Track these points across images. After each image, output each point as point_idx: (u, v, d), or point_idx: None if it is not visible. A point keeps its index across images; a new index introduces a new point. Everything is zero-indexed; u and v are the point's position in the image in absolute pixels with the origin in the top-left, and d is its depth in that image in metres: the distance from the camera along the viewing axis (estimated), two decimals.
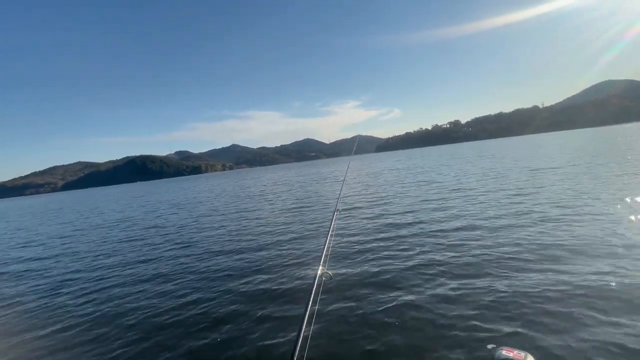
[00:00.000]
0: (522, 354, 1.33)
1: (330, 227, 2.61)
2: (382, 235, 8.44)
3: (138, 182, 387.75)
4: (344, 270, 6.14)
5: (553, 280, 4.78)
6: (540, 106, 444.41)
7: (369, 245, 7.65)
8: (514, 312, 4.08)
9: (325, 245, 2.34)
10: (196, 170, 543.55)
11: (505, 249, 6.34)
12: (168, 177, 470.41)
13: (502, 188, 13.35)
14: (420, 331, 3.97)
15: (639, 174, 12.68)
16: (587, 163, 18.27)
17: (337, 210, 2.91)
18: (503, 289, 4.69)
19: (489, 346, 3.38)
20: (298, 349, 1.38)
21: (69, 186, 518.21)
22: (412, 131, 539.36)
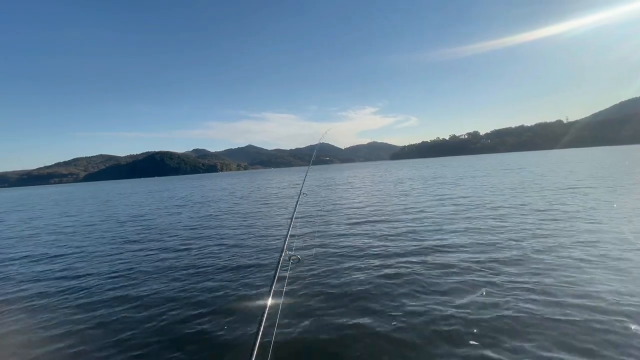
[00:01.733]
0: None
1: (294, 212, 2.66)
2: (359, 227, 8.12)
3: (155, 177, 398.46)
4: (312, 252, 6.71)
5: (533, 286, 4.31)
6: (565, 121, 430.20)
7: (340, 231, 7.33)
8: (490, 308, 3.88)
9: (289, 228, 2.32)
10: (212, 168, 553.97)
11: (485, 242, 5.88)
12: (185, 174, 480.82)
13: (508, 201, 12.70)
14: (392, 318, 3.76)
15: None
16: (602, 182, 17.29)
17: (304, 193, 2.73)
18: (475, 279, 4.52)
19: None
20: (262, 327, 1.42)
21: (90, 177, 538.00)
22: (428, 140, 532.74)
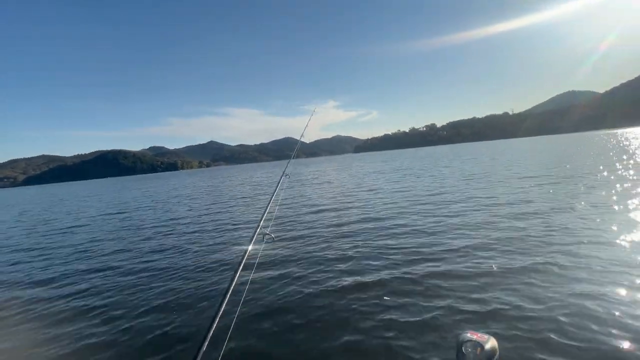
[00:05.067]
0: (486, 336, 1.38)
1: (274, 193, 2.89)
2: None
3: (109, 177, 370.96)
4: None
5: (511, 265, 5.13)
6: (511, 112, 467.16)
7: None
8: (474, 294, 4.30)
9: (267, 207, 2.55)
10: (172, 166, 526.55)
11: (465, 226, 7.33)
12: (141, 173, 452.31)
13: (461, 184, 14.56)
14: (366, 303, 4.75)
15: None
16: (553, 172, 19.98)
17: (286, 175, 3.28)
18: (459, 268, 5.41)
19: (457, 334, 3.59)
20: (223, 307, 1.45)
21: (31, 181, 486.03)
22: (390, 133, 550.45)
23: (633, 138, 50.11)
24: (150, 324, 4.43)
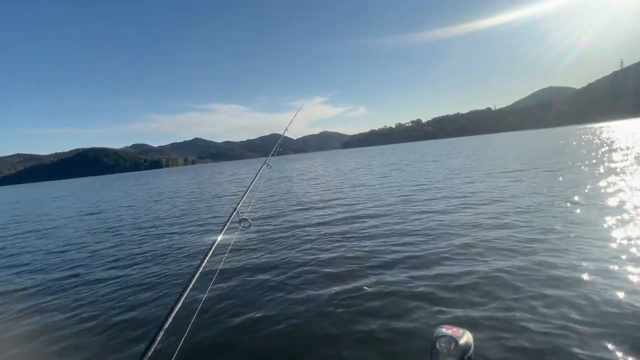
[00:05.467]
0: (461, 331, 1.39)
1: (254, 178, 2.93)
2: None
3: (89, 176, 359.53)
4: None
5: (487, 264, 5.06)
6: (493, 108, 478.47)
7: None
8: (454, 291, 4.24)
9: (246, 192, 2.56)
10: (156, 164, 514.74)
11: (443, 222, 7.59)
12: (124, 172, 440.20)
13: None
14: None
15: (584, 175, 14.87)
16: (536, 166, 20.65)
17: (268, 165, 3.38)
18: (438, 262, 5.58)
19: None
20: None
21: (5, 181, 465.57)
22: (377, 129, 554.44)
23: (608, 132, 52.25)
24: (116, 313, 4.57)
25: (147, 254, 7.40)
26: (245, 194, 2.57)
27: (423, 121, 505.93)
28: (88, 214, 16.65)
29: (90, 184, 75.68)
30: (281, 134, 4.37)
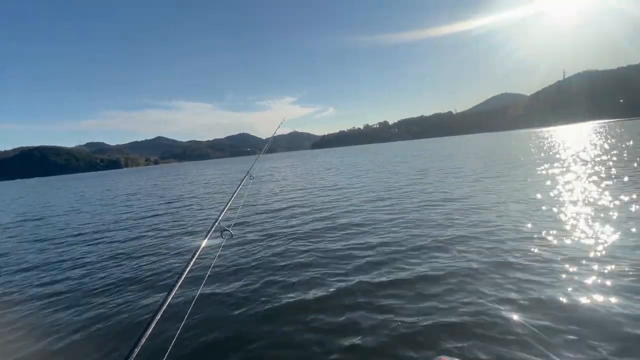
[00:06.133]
0: None
1: (236, 189, 2.92)
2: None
3: (36, 177, 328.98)
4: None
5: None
6: (454, 112, 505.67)
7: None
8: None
9: (228, 203, 2.57)
10: (114, 164, 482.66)
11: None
12: (77, 172, 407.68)
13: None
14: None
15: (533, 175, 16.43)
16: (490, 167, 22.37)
17: (251, 176, 3.37)
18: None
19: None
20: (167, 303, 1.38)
21: None
22: (346, 130, 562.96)
23: (550, 137, 57.67)
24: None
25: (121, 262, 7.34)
26: (227, 204, 2.57)
27: (390, 123, 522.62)
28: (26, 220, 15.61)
29: (36, 186, 69.45)
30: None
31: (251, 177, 3.51)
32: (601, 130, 64.39)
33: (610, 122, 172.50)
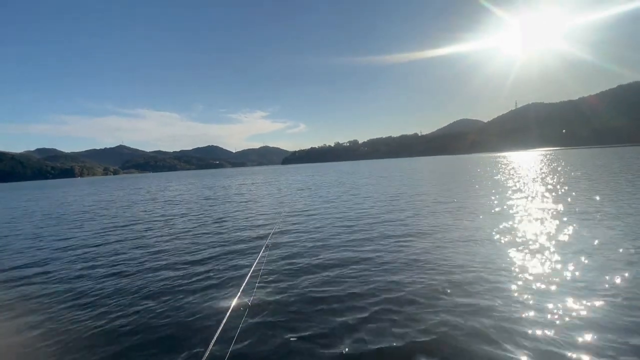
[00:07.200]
0: None
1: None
2: None
3: None
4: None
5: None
6: (419, 134, 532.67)
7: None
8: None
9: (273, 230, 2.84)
10: (67, 172, 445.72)
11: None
12: (24, 180, 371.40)
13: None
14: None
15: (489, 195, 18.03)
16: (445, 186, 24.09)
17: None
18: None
19: None
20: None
21: None
22: (317, 146, 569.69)
23: (502, 162, 62.93)
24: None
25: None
26: (272, 230, 2.82)
27: (359, 142, 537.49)
28: None
29: None
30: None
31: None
32: (543, 157, 71.56)
33: (556, 149, 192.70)
